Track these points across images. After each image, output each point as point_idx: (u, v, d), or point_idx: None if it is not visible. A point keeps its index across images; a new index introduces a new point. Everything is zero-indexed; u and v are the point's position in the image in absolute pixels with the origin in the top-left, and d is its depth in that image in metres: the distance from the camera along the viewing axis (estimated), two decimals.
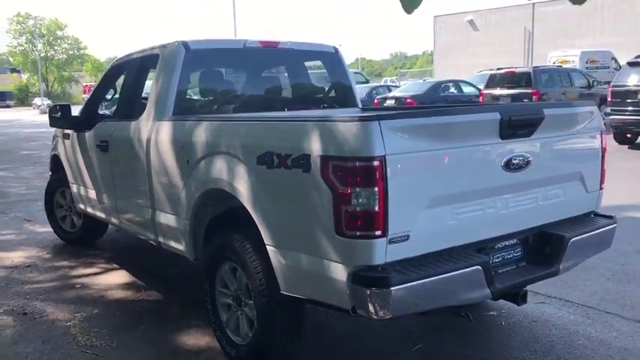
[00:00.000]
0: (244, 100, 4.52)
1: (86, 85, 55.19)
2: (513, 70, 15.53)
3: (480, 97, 16.06)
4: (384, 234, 2.46)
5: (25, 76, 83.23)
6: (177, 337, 3.83)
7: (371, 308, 2.47)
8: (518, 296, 3.13)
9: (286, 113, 4.50)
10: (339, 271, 2.55)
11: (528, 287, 3.20)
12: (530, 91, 14.68)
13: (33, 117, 41.48)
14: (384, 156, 2.41)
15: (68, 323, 4.10)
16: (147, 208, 4.17)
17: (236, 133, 3.23)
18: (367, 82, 27.79)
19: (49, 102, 62.26)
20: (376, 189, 2.42)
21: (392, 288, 2.43)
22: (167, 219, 3.93)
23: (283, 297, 2.92)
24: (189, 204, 3.58)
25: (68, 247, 6.08)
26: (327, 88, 5.01)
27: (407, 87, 21.27)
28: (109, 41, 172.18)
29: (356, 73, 24.84)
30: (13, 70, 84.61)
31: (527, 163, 2.95)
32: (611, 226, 3.43)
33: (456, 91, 18.92)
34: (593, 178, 3.41)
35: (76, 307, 4.41)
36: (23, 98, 76.04)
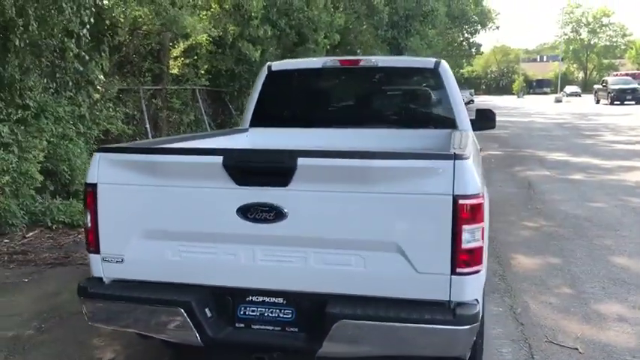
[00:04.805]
0: (320, 116, 4.79)
1: (617, 74, 53.15)
2: None
3: None
4: (98, 251, 2.89)
5: (564, 65, 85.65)
6: None
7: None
8: (254, 357, 2.77)
9: None
10: None
11: None
12: None
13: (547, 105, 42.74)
14: (96, 184, 2.83)
15: None
16: None
17: None
18: None
19: (576, 89, 62.98)
20: (89, 211, 2.88)
21: (82, 298, 2.88)
22: None
23: None
24: None
25: None
26: (420, 108, 4.61)
27: None
28: None
29: None
30: (555, 59, 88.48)
31: (280, 215, 2.60)
32: (438, 327, 2.45)
33: None
34: (432, 256, 2.50)
35: None
36: (561, 86, 78.97)
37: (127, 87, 11.35)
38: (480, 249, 2.53)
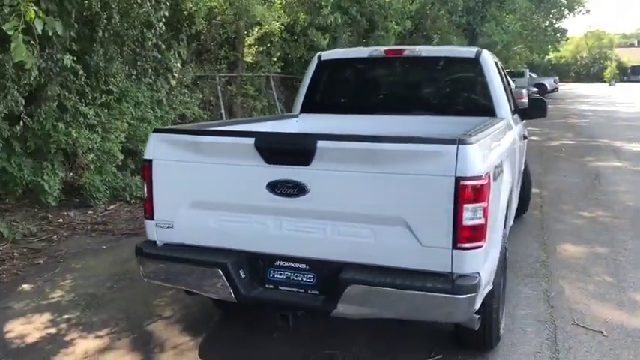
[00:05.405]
0: (362, 103, 5.10)
1: None
2: None
3: None
4: (152, 218, 3.37)
5: None
6: None
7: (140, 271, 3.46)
8: (279, 315, 3.15)
9: None
10: None
11: None
12: None
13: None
14: (152, 160, 3.32)
15: None
16: None
17: None
18: None
19: None
20: (145, 183, 3.37)
21: (138, 257, 3.37)
22: None
23: None
24: None
25: None
26: (461, 96, 4.81)
27: None
28: None
29: None
30: None
31: (303, 191, 2.96)
32: (437, 295, 2.74)
33: None
34: (435, 231, 2.78)
35: None
36: None
37: (203, 74, 12.05)
38: (482, 226, 2.77)
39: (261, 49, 13.45)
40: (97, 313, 4.35)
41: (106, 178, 7.74)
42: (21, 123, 6.47)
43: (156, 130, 3.35)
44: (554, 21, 35.28)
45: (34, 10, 4.75)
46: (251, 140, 3.01)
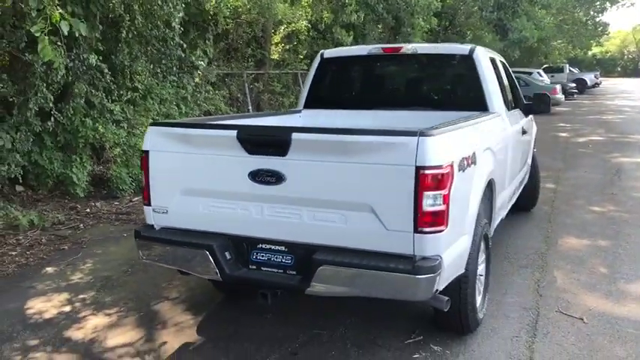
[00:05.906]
0: (362, 98, 5.31)
1: None
2: None
3: None
4: (149, 204, 3.69)
5: None
6: None
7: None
8: (259, 293, 3.40)
9: None
10: None
11: None
12: None
13: None
14: (149, 151, 3.63)
15: None
16: None
17: None
18: None
19: None
20: (143, 172, 3.68)
21: (137, 240, 3.69)
22: None
23: None
24: None
25: None
26: (455, 91, 4.97)
27: None
28: None
29: None
30: None
31: (280, 179, 3.22)
32: (398, 275, 2.95)
33: None
34: (398, 216, 2.99)
35: None
36: None
37: (231, 71, 12.43)
38: (442, 212, 2.97)
39: (287, 46, 13.76)
40: (109, 294, 4.71)
41: (132, 170, 8.15)
42: (52, 119, 6.94)
43: (152, 124, 3.66)
44: (595, 14, 34.50)
45: (60, 12, 5.13)
46: (233, 133, 3.28)
